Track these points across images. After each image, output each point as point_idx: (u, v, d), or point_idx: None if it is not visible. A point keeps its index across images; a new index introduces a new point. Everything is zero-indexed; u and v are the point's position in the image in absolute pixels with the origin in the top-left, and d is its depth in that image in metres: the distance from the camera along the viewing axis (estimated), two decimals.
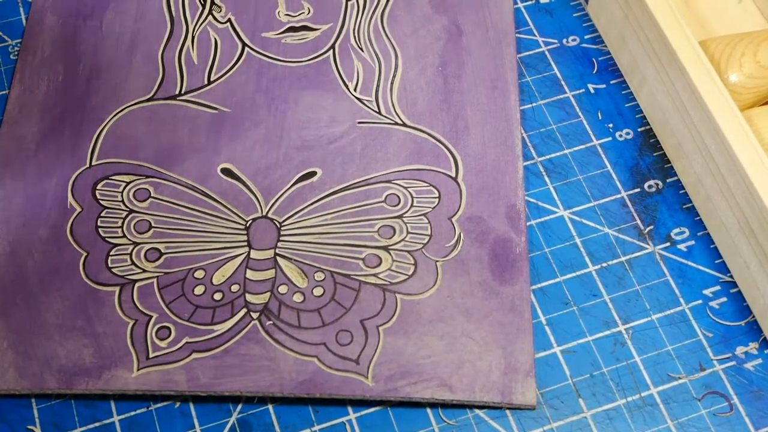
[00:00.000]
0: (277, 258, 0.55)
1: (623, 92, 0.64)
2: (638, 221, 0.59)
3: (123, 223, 0.57)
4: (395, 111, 0.61)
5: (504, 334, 0.53)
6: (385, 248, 0.56)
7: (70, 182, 0.58)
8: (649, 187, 0.60)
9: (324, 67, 0.63)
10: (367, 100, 0.61)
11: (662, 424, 0.53)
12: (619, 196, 0.60)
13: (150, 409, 0.52)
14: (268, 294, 0.54)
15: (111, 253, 0.56)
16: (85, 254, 0.56)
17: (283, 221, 0.57)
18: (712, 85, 0.55)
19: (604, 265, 0.57)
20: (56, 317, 0.54)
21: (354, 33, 0.64)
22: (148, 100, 0.61)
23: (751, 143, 0.53)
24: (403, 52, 0.63)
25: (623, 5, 0.61)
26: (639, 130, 0.62)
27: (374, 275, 0.55)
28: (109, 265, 0.55)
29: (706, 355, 0.55)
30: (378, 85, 0.62)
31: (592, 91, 0.64)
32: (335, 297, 0.54)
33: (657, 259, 0.58)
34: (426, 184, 0.58)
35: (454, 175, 0.58)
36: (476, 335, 0.53)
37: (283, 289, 0.54)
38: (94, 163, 0.59)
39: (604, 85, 0.64)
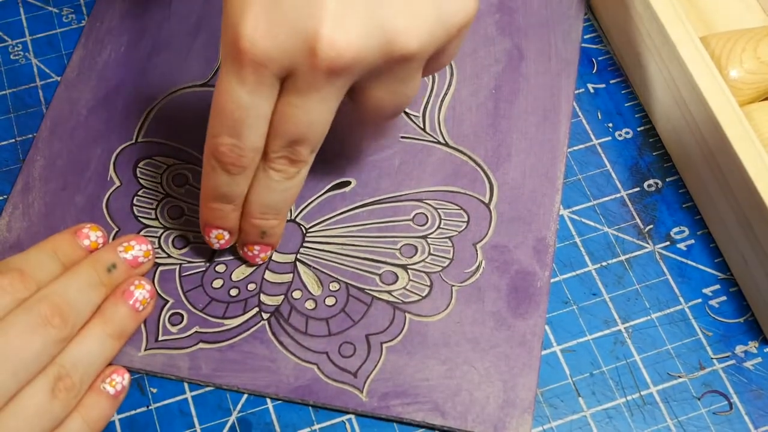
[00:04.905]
0: (297, 263, 0.56)
1: (623, 92, 0.64)
2: (638, 220, 0.59)
3: (158, 205, 0.58)
4: (440, 130, 0.61)
5: (508, 368, 0.53)
6: (404, 267, 0.56)
7: (114, 155, 0.60)
8: (649, 186, 0.60)
9: None
10: (413, 116, 0.62)
11: (662, 422, 0.53)
12: (618, 195, 0.60)
13: (150, 408, 0.53)
14: (282, 297, 0.55)
15: (141, 233, 0.57)
16: (116, 230, 0.57)
17: (310, 227, 0.58)
18: (713, 80, 0.55)
19: (604, 264, 0.58)
20: None
21: None
22: (202, 85, 0.62)
23: (750, 138, 0.53)
24: (460, 70, 0.63)
25: (626, 0, 0.62)
26: (638, 129, 0.62)
27: (388, 292, 0.56)
28: None
29: (706, 353, 0.55)
30: (428, 102, 0.62)
31: (592, 90, 0.64)
32: (345, 309, 0.55)
33: (656, 258, 0.58)
34: (457, 207, 0.58)
35: (487, 201, 0.59)
36: (479, 365, 0.54)
37: (297, 294, 0.55)
38: (140, 140, 0.60)
39: (603, 85, 0.64)
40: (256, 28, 0.44)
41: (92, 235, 0.54)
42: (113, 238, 0.57)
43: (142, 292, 0.52)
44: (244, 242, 0.55)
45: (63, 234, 0.53)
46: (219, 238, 0.54)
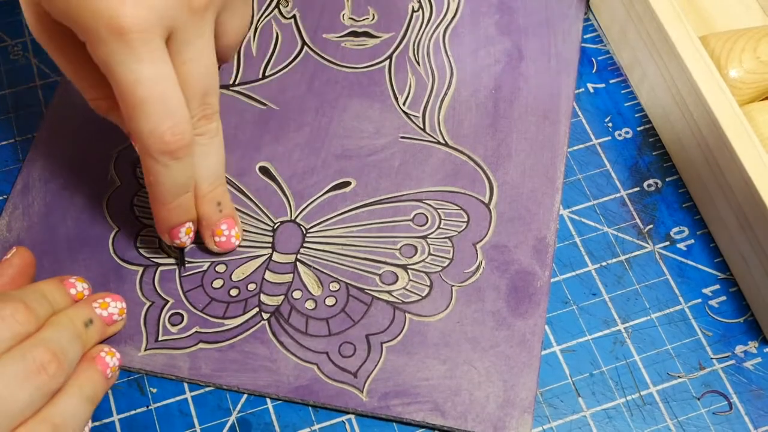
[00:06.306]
0: (297, 263, 0.56)
1: (623, 91, 0.64)
2: (638, 220, 0.59)
3: None
4: (440, 130, 0.61)
5: (508, 367, 0.53)
6: (404, 267, 0.57)
7: (114, 155, 0.60)
8: (649, 186, 0.60)
9: (377, 76, 0.63)
10: (413, 116, 0.62)
11: (662, 423, 0.53)
12: (618, 195, 0.60)
13: (150, 408, 0.53)
14: (282, 297, 0.55)
15: (141, 233, 0.57)
16: (116, 229, 0.57)
17: (310, 228, 0.58)
18: (712, 80, 0.55)
19: (604, 264, 0.58)
20: None
21: (413, 45, 0.64)
22: None
23: (749, 138, 0.53)
24: (460, 70, 0.63)
25: (625, 0, 0.62)
26: (638, 129, 0.62)
27: (388, 292, 0.56)
28: (137, 245, 0.57)
29: (706, 353, 0.55)
30: (427, 102, 0.62)
31: (592, 90, 0.64)
32: (346, 309, 0.55)
33: (656, 258, 0.58)
34: (456, 207, 0.58)
35: (487, 201, 0.59)
36: (479, 364, 0.54)
37: (297, 294, 0.55)
38: None
39: (603, 85, 0.64)
40: (124, 3, 0.45)
41: (79, 285, 0.53)
42: (113, 238, 0.57)
43: (113, 360, 0.51)
44: (210, 227, 0.55)
45: (51, 280, 0.52)
46: (188, 232, 0.54)
